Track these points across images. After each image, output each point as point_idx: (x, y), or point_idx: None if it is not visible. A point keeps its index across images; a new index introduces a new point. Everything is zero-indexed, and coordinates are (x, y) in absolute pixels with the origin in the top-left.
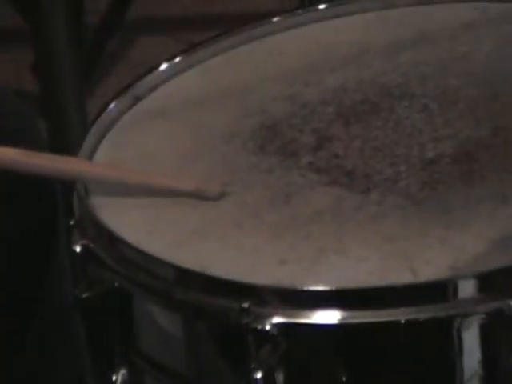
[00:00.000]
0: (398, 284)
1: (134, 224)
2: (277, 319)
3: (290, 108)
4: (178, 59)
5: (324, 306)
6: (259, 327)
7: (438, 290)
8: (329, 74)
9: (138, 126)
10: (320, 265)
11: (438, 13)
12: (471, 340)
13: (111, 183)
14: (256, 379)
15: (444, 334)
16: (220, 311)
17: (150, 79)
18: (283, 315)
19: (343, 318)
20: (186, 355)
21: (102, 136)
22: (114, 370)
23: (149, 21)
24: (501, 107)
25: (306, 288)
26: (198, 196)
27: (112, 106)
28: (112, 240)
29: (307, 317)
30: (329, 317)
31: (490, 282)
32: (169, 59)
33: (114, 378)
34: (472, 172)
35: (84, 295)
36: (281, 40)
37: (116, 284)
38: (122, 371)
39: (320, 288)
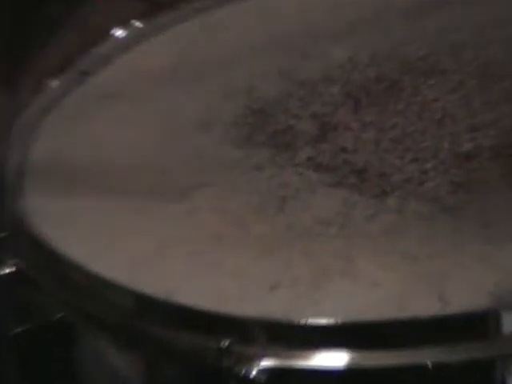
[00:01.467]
0: (423, 316)
1: (81, 239)
2: (266, 362)
3: (284, 87)
4: (138, 24)
5: (328, 344)
6: (243, 372)
7: (476, 324)
8: (334, 43)
9: (86, 109)
10: (322, 291)
11: None
12: None
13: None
14: None
15: (484, 381)
16: (192, 351)
17: (101, 50)
18: (274, 357)
19: (353, 361)
20: None
21: (38, 124)
22: None
23: None
24: None
25: (304, 321)
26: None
27: (53, 83)
28: (53, 259)
29: (306, 359)
30: (334, 359)
31: None
32: (126, 23)
33: None
34: None
35: (15, 330)
36: None
37: (57, 315)
38: None
39: (322, 321)
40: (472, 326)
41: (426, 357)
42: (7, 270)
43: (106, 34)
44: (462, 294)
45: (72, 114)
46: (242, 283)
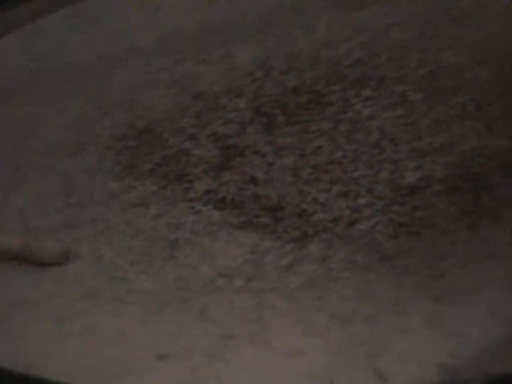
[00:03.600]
0: None
1: None
2: None
3: (176, 100)
4: None
5: None
6: None
7: None
8: (240, 43)
9: None
10: (224, 362)
11: None
12: None
13: None
14: None
15: None
16: None
17: None
18: None
19: None
20: None
21: None
22: None
23: None
24: None
25: None
26: (28, 258)
27: None
28: None
29: None
30: None
31: None
32: None
33: None
34: (479, 208)
35: None
36: None
37: None
38: None
39: None
40: None
41: None
42: None
43: None
44: (406, 367)
45: None
46: (121, 353)
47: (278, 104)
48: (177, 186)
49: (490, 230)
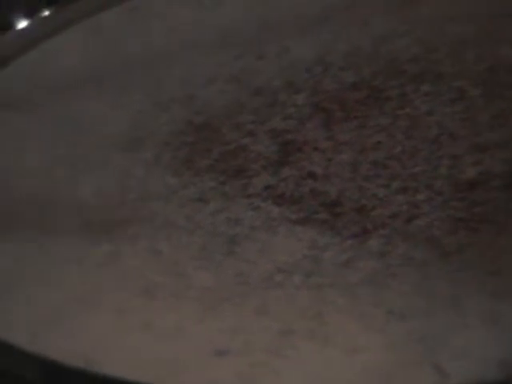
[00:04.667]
0: None
1: None
2: None
3: (235, 95)
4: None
5: None
6: None
7: None
8: (298, 39)
9: None
10: (283, 358)
11: None
12: None
13: None
14: None
15: None
16: None
17: None
18: None
19: None
20: None
21: None
22: None
23: None
24: None
25: None
26: None
27: None
28: None
29: None
30: None
31: None
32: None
33: None
34: None
35: None
36: None
37: None
38: None
39: None
40: None
41: None
42: None
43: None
44: (464, 363)
45: None
46: (180, 348)
47: (336, 100)
48: (235, 182)
49: None
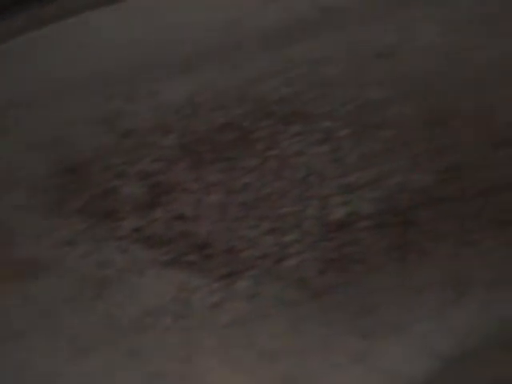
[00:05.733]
0: None
1: None
2: None
3: (105, 137)
4: None
5: None
6: None
7: None
8: (168, 80)
9: None
10: None
11: None
12: None
13: None
14: None
15: None
16: None
17: None
18: None
19: None
20: None
21: None
22: None
23: None
24: (451, 132)
25: None
26: None
27: None
28: None
29: None
30: None
31: None
32: None
33: None
34: (407, 243)
35: None
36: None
37: None
38: None
39: None
40: None
41: None
42: None
43: None
44: None
45: None
46: None
47: (205, 141)
48: (105, 225)
49: (418, 264)
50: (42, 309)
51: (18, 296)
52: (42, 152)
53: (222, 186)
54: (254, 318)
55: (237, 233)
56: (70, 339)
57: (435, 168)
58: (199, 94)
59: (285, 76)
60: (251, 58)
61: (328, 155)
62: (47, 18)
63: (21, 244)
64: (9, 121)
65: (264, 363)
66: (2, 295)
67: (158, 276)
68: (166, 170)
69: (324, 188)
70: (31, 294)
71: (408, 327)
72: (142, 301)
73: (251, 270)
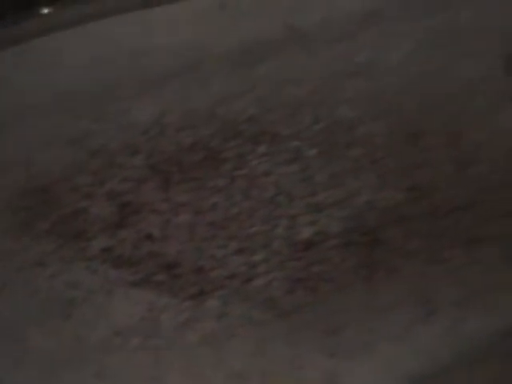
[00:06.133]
0: None
1: None
2: None
3: (72, 158)
4: None
5: None
6: None
7: None
8: (135, 100)
9: None
10: None
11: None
12: None
13: None
14: None
15: None
16: None
17: None
18: None
19: None
20: None
21: None
22: None
23: None
24: (420, 151)
25: None
26: None
27: None
28: None
29: None
30: None
31: None
32: None
33: None
34: (374, 261)
35: None
36: (54, 42)
37: None
38: None
39: None
40: None
41: None
42: None
43: None
44: None
45: None
46: None
47: (173, 161)
48: (74, 245)
49: (386, 283)
50: (9, 328)
51: None
52: (8, 172)
53: (191, 206)
54: (222, 337)
55: (205, 252)
56: (38, 360)
57: (404, 186)
58: (167, 114)
59: (253, 96)
60: (219, 78)
61: (297, 175)
62: (10, 40)
63: None
64: None
65: (232, 383)
66: None
67: (127, 296)
68: (134, 190)
69: (292, 207)
70: None
71: (376, 346)
72: (110, 321)
73: (220, 289)
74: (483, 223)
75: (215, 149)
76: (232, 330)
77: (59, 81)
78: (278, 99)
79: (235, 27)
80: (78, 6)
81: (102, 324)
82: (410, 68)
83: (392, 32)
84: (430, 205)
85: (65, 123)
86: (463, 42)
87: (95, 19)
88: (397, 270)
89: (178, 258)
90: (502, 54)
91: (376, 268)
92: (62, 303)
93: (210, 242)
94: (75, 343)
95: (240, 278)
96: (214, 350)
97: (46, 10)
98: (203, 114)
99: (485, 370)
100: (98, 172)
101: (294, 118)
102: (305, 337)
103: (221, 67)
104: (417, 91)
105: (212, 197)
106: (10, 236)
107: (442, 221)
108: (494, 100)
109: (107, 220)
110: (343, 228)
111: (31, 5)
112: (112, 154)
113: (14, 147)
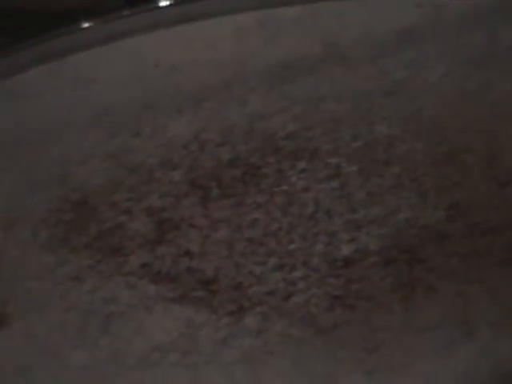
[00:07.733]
0: None
1: None
2: None
3: (111, 173)
4: None
5: None
6: None
7: None
8: (174, 116)
9: None
10: None
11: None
12: None
13: None
14: None
15: None
16: None
17: None
18: None
19: None
20: None
21: None
22: None
23: None
24: (459, 169)
25: None
26: None
27: None
28: None
29: None
30: None
31: None
32: None
33: None
34: (414, 280)
35: None
36: (92, 57)
37: None
38: None
39: None
40: None
41: None
42: None
43: None
44: None
45: None
46: None
47: (213, 177)
48: (112, 260)
49: (424, 302)
50: (46, 343)
51: (23, 332)
52: (46, 187)
53: (229, 222)
54: (260, 354)
55: (244, 269)
56: (76, 375)
57: (443, 205)
58: (206, 129)
59: (291, 112)
60: (257, 94)
61: (336, 191)
62: (47, 55)
63: (26, 279)
64: (9, 157)
65: None
66: (6, 332)
67: (165, 312)
68: (173, 205)
69: (332, 224)
70: (35, 330)
71: (414, 365)
72: (148, 337)
73: (258, 306)
74: None
75: (254, 165)
76: (271, 347)
77: (96, 97)
78: (317, 116)
79: (274, 44)
80: (117, 21)
81: (140, 340)
82: (449, 86)
83: (429, 50)
84: (468, 224)
85: (102, 139)
86: (503, 60)
87: (133, 35)
88: (435, 290)
89: (217, 275)
90: None
91: (414, 287)
92: (100, 318)
93: (248, 259)
94: (112, 358)
95: (279, 294)
96: (253, 367)
97: (85, 25)
98: (242, 130)
99: None
100: (136, 187)
101: (333, 135)
102: (343, 355)
103: (259, 84)
104: (456, 110)
105: (251, 213)
106: (47, 250)
107: (480, 240)
108: None
109: (146, 235)
110: (382, 246)
111: (71, 20)
112: (150, 169)
113: (51, 163)
